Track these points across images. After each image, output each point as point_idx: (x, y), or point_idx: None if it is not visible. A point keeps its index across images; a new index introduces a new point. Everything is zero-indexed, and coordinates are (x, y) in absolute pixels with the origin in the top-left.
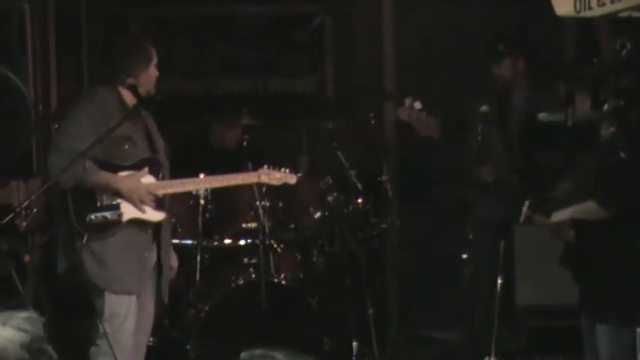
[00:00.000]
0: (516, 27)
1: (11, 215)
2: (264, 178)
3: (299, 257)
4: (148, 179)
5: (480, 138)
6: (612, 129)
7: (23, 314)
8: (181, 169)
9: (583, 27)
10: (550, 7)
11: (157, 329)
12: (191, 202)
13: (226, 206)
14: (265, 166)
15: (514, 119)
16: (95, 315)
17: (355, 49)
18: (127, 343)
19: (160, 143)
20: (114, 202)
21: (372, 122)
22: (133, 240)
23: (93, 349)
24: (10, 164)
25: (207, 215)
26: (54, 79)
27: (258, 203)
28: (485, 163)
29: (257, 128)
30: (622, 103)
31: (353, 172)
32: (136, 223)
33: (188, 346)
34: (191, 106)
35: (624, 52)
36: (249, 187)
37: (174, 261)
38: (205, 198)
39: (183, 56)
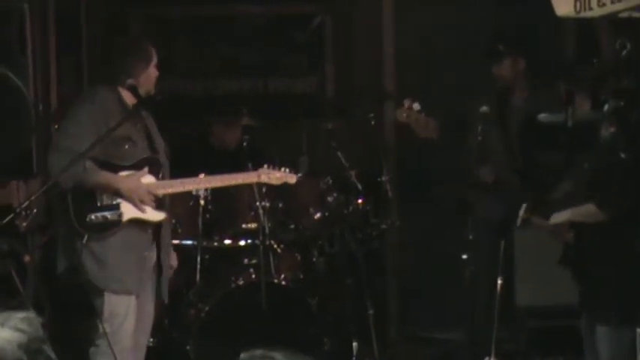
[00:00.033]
0: (516, 27)
1: (11, 215)
2: (263, 178)
3: (299, 258)
4: (148, 179)
5: (480, 138)
6: (612, 129)
7: (21, 314)
8: (181, 169)
9: (583, 27)
10: (550, 7)
11: (156, 329)
12: (191, 203)
13: (226, 207)
14: (265, 166)
15: (514, 119)
16: (95, 315)
17: (355, 49)
18: (127, 344)
19: (160, 143)
20: (114, 202)
21: (372, 122)
22: (132, 240)
23: (92, 349)
24: (10, 164)
25: (207, 216)
26: (54, 79)
27: (258, 204)
28: (485, 163)
29: (257, 128)
30: (622, 103)
31: (353, 173)
32: (136, 223)
33: (188, 347)
34: (191, 106)
35: (624, 53)
36: (249, 187)
37: (173, 261)
38: (205, 198)
39: (183, 56)
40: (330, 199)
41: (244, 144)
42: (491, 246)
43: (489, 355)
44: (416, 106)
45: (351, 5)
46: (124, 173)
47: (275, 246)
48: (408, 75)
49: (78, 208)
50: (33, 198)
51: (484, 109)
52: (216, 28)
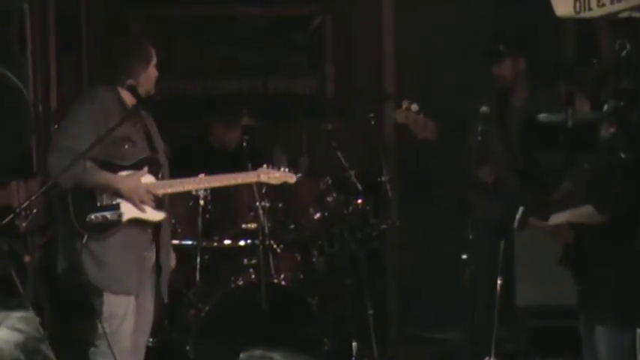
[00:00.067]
0: (516, 27)
1: (11, 216)
2: (263, 178)
3: (299, 258)
4: (147, 179)
5: (479, 138)
6: (612, 129)
7: (19, 314)
8: (181, 169)
9: (583, 27)
10: (550, 7)
11: (156, 329)
12: (191, 203)
13: (226, 207)
14: (265, 166)
15: (514, 119)
16: (95, 315)
17: (355, 49)
18: (126, 344)
19: (160, 143)
20: (114, 202)
21: (372, 123)
22: (132, 240)
23: (92, 349)
24: (10, 164)
25: (207, 216)
26: (54, 79)
27: (257, 204)
28: (485, 163)
29: (257, 128)
30: (622, 103)
31: (353, 173)
32: (135, 222)
33: (188, 347)
34: (191, 106)
35: (624, 53)
36: (248, 187)
37: (172, 261)
38: (205, 198)
39: (183, 56)
40: (329, 199)
41: (244, 144)
42: (491, 246)
43: (489, 355)
44: (414, 107)
45: (351, 5)
46: (123, 173)
47: (275, 246)
48: (408, 75)
49: (78, 208)
50: (33, 198)
51: (484, 109)
52: (216, 28)
